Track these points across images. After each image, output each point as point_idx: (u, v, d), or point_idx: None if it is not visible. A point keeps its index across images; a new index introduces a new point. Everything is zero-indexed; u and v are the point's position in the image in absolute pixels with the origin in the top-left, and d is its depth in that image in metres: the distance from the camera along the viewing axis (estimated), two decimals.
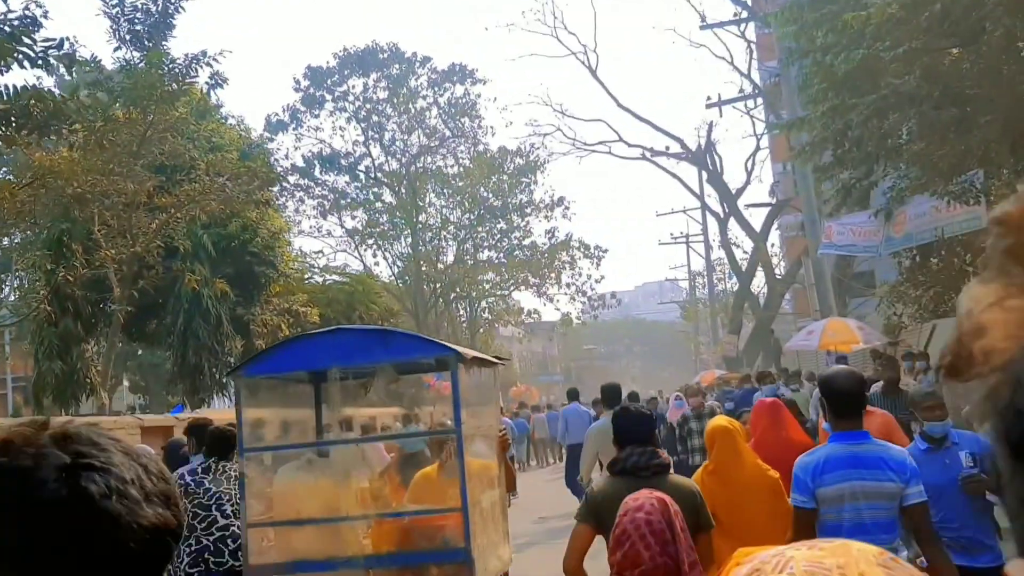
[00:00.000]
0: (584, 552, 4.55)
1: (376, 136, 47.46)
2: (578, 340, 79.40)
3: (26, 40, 13.44)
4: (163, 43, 20.02)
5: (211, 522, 6.38)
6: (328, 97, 46.82)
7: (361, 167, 47.63)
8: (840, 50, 13.89)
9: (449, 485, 5.66)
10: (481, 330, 51.62)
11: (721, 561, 3.31)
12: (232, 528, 6.50)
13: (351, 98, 46.85)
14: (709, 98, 33.41)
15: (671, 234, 69.62)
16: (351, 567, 5.37)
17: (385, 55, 46.48)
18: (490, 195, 48.13)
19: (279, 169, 37.80)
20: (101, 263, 18.59)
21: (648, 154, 41.12)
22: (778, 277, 37.66)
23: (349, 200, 47.77)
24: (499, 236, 49.14)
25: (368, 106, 46.86)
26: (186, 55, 18.61)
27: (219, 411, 16.53)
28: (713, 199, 41.81)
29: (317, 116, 47.06)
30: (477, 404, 6.21)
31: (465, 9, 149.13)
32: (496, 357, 7.46)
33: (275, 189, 30.79)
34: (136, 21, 20.01)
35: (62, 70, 15.11)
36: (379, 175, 47.70)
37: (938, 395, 5.80)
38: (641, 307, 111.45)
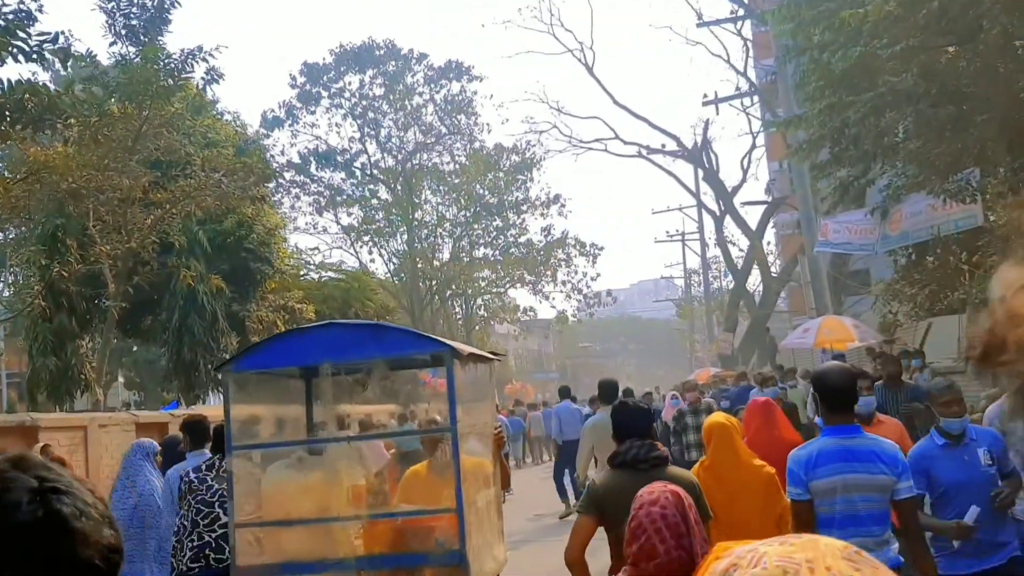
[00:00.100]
0: (586, 543, 4.61)
1: (372, 133, 47.41)
2: (574, 338, 79.39)
3: (21, 34, 13.39)
4: (159, 38, 19.90)
5: (214, 519, 6.34)
6: (324, 94, 46.77)
7: (357, 164, 47.59)
8: (837, 48, 13.89)
9: (442, 484, 5.55)
10: (477, 327, 51.61)
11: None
12: None
13: (347, 95, 46.83)
14: (706, 95, 33.47)
15: (667, 232, 69.65)
16: (342, 569, 5.25)
17: (381, 52, 46.43)
18: (486, 192, 48.11)
19: (275, 165, 37.74)
20: (96, 259, 18.54)
21: (644, 152, 41.17)
22: (774, 275, 37.69)
23: (345, 197, 47.72)
24: (495, 233, 49.14)
25: (364, 103, 46.80)
26: (182, 50, 18.53)
27: (214, 407, 16.49)
28: (709, 197, 41.88)
29: (313, 113, 47.05)
30: (472, 401, 6.09)
31: (461, 6, 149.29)
32: (492, 352, 7.35)
33: (271, 185, 30.75)
34: (132, 16, 19.91)
35: (57, 65, 15.04)
36: (375, 172, 47.65)
37: (956, 389, 5.55)
38: (637, 305, 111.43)
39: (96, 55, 19.45)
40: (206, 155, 20.88)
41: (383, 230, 47.91)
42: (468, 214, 48.35)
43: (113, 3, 19.73)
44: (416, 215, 47.34)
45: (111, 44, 20.30)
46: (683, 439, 12.57)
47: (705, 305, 53.78)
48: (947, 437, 5.37)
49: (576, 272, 50.50)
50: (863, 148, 14.72)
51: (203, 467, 6.66)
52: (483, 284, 51.11)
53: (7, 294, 28.36)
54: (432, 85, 47.42)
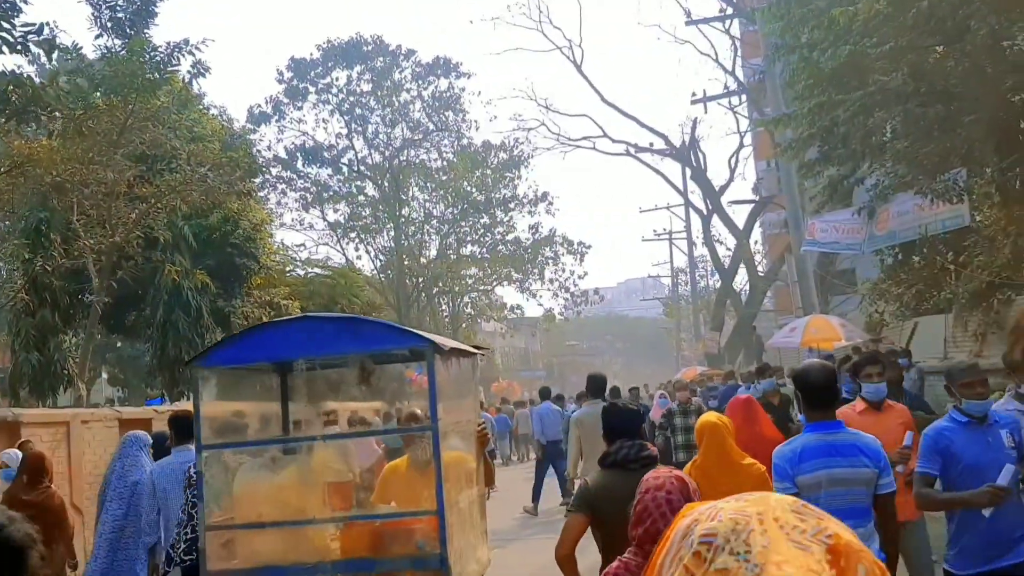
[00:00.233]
0: (576, 541, 4.71)
1: (359, 129, 47.28)
2: (561, 336, 79.40)
3: (5, 25, 13.24)
4: (145, 31, 19.75)
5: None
6: (311, 89, 46.62)
7: (344, 160, 47.45)
8: (827, 46, 13.89)
9: (422, 483, 5.41)
10: (464, 325, 51.56)
11: None
12: None
13: (334, 90, 46.70)
14: (694, 94, 33.53)
15: (654, 231, 69.77)
16: (318, 573, 5.08)
17: (369, 47, 46.31)
18: (473, 189, 48.03)
19: (261, 161, 37.55)
20: (80, 253, 18.38)
21: (632, 150, 41.21)
22: (760, 274, 37.77)
23: (332, 193, 47.59)
24: (482, 231, 49.09)
25: (352, 99, 46.68)
26: (168, 43, 18.36)
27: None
28: (697, 196, 41.97)
29: (300, 108, 46.93)
30: (455, 397, 5.92)
31: (450, 2, 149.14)
32: (475, 347, 7.21)
33: (257, 180, 30.60)
34: (118, 8, 19.76)
35: (43, 58, 14.91)
36: (362, 168, 47.51)
37: (979, 369, 5.27)
38: (624, 304, 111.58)
39: (81, 48, 19.29)
40: (192, 149, 20.71)
41: (370, 227, 47.79)
42: (455, 211, 48.28)
43: None
44: (403, 212, 47.25)
45: (97, 37, 20.16)
46: (671, 440, 12.46)
47: (692, 304, 53.88)
48: (969, 417, 5.15)
49: (563, 270, 50.61)
50: (851, 147, 14.73)
51: None
52: (470, 282, 51.07)
53: None
54: (420, 81, 47.35)
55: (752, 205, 37.94)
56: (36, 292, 19.12)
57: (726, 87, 36.77)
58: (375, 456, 10.66)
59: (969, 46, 12.25)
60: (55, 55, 15.18)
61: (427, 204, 49.24)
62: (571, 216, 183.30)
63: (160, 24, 34.84)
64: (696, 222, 44.31)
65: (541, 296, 51.68)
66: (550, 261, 50.18)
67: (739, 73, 36.51)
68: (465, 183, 47.62)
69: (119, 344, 31.65)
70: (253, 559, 5.28)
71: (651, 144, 41.42)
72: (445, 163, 48.28)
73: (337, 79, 46.54)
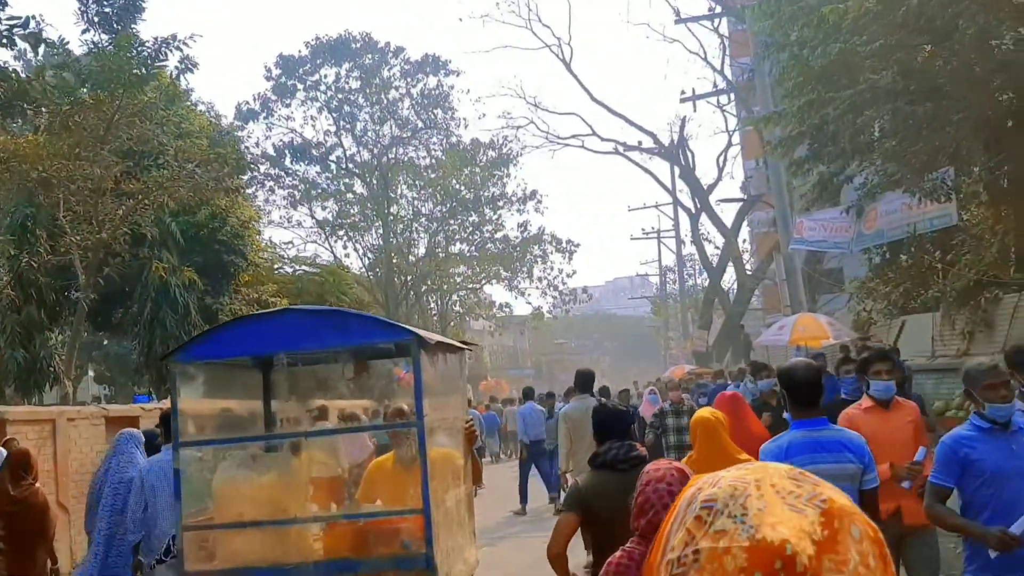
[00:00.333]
0: (568, 539, 4.74)
1: (348, 126, 47.18)
2: (549, 334, 79.45)
3: None
4: (132, 26, 19.60)
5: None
6: (300, 86, 46.48)
7: (332, 157, 47.33)
8: (817, 44, 13.90)
9: (408, 481, 5.30)
10: (452, 323, 51.51)
11: None
12: None
13: (323, 87, 46.56)
14: (683, 92, 33.56)
15: (643, 229, 69.68)
16: (300, 574, 4.95)
17: (358, 45, 46.19)
18: (462, 188, 47.94)
19: (249, 158, 37.41)
20: (66, 250, 18.26)
21: (621, 148, 41.26)
22: (748, 273, 37.86)
23: (320, 191, 47.45)
24: (471, 229, 49.01)
25: (340, 96, 46.57)
26: (156, 39, 18.22)
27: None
28: (685, 194, 42.06)
29: (288, 105, 46.79)
30: (443, 393, 5.80)
31: None
32: (462, 342, 7.09)
33: (245, 177, 30.46)
34: (105, 3, 19.62)
35: (29, 54, 14.81)
36: (350, 166, 47.41)
37: (1002, 371, 4.86)
38: (612, 302, 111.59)
39: (68, 42, 19.14)
40: (179, 145, 20.60)
41: (358, 224, 47.66)
42: (444, 209, 48.19)
43: None
44: (392, 210, 47.13)
45: (83, 31, 20.00)
46: (663, 440, 12.37)
47: (680, 302, 53.93)
48: (991, 422, 4.77)
49: (552, 269, 50.59)
50: (841, 145, 14.73)
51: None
52: (459, 280, 51.02)
53: None
54: (409, 79, 47.26)
55: (740, 204, 38.02)
56: (22, 288, 19.00)
57: (715, 85, 36.86)
58: (367, 451, 10.60)
59: (958, 45, 12.27)
60: (41, 49, 15.09)
61: (416, 202, 49.18)
62: (560, 214, 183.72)
63: (147, 19, 34.60)
64: (684, 221, 44.43)
65: (529, 294, 51.75)
66: (539, 259, 50.18)
67: (728, 72, 36.61)
68: (454, 181, 47.51)
69: (106, 341, 31.51)
70: (233, 559, 5.15)
71: (640, 143, 41.51)
72: (434, 161, 48.19)
73: (325, 76, 46.48)
